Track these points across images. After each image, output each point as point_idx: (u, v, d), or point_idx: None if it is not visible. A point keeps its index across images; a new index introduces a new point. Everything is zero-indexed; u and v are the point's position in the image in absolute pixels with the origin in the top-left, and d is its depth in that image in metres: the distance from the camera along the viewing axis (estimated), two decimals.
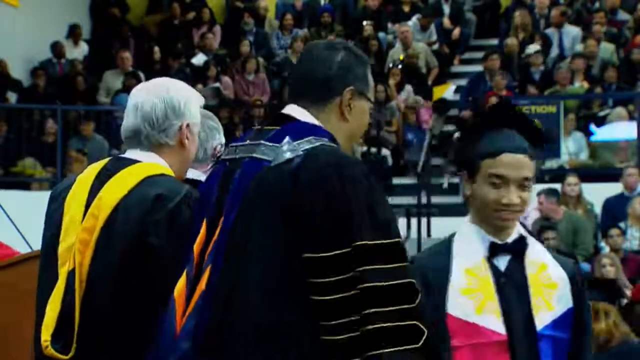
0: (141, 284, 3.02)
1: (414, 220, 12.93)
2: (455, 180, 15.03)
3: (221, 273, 2.71)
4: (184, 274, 2.77)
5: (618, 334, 7.35)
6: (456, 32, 17.65)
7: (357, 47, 3.04)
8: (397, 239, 2.71)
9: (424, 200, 13.52)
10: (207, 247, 2.78)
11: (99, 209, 3.15)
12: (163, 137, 3.27)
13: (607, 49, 15.53)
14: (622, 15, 16.71)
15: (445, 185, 15.01)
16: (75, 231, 3.16)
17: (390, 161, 15.49)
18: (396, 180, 15.43)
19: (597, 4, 17.25)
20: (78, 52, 17.40)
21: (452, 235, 3.30)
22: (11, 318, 4.07)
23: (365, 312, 2.62)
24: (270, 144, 2.80)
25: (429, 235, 13.40)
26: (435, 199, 14.29)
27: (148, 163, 3.23)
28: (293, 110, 2.90)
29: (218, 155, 2.97)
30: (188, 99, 3.31)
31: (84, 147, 14.36)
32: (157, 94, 3.29)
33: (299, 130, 2.81)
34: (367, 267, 2.64)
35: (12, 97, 16.05)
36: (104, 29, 18.07)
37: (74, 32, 17.42)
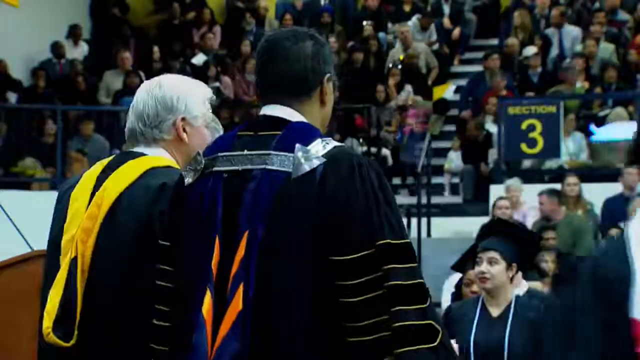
0: (147, 273, 3.01)
1: (414, 220, 12.92)
2: (456, 180, 15.04)
3: (257, 291, 2.68)
4: (208, 293, 2.71)
5: None
6: (456, 32, 17.66)
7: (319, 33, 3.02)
8: (409, 240, 2.76)
9: (424, 200, 13.53)
10: (226, 266, 2.71)
11: (102, 199, 3.16)
12: (157, 132, 3.28)
13: (607, 49, 15.54)
14: (622, 15, 16.71)
15: (447, 185, 15.03)
16: (79, 221, 3.18)
17: (390, 161, 15.50)
18: (396, 180, 15.44)
19: (597, 4, 17.25)
20: (78, 52, 17.40)
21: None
22: (7, 318, 4.07)
23: (393, 309, 2.65)
24: (283, 153, 2.75)
25: (429, 235, 13.40)
26: (435, 199, 14.30)
27: (153, 156, 3.25)
28: (280, 111, 2.86)
29: (200, 166, 2.87)
30: (184, 94, 3.30)
31: (84, 147, 14.36)
32: (149, 91, 3.31)
33: (301, 133, 2.79)
34: (391, 266, 2.67)
35: (12, 97, 16.05)
36: (104, 29, 18.07)
37: (74, 32, 17.42)
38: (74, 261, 3.13)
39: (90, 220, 3.15)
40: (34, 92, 15.97)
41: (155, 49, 16.89)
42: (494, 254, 5.56)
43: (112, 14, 18.19)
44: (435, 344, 2.66)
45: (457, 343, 5.48)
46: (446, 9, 17.98)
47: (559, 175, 13.48)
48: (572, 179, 12.38)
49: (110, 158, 3.35)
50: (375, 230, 2.68)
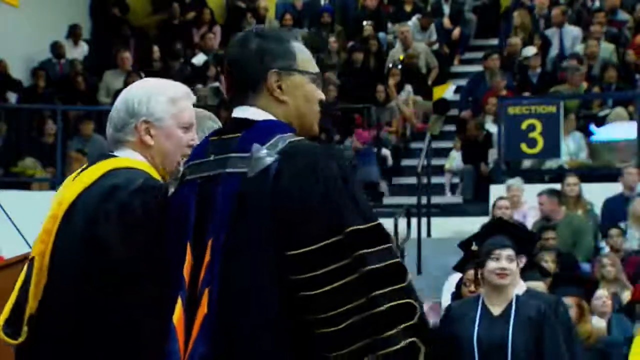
0: (95, 274, 3.04)
1: (414, 220, 12.92)
2: (456, 180, 15.04)
3: (220, 293, 2.71)
4: (179, 299, 2.75)
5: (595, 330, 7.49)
6: (456, 32, 17.66)
7: (272, 30, 3.11)
8: (379, 222, 2.75)
9: (424, 200, 13.52)
10: (197, 272, 2.75)
11: (62, 199, 3.18)
12: (121, 135, 3.30)
13: (607, 49, 15.54)
14: (622, 15, 16.71)
15: (447, 185, 15.03)
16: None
17: (390, 161, 15.50)
18: (396, 180, 15.45)
19: (597, 4, 17.25)
20: (78, 52, 17.40)
21: None
22: None
23: (372, 295, 2.64)
24: (240, 155, 2.79)
25: (429, 235, 13.40)
26: (435, 199, 14.30)
27: (120, 158, 3.25)
28: (244, 112, 2.90)
29: (179, 175, 2.91)
30: (146, 96, 3.29)
31: (84, 147, 14.37)
32: (120, 97, 3.34)
33: (261, 132, 2.81)
34: (365, 251, 2.67)
35: (12, 97, 16.06)
36: (104, 29, 18.07)
37: (74, 32, 17.42)
38: (31, 262, 3.16)
39: (51, 221, 3.18)
40: (34, 92, 15.97)
41: (155, 49, 16.89)
42: (511, 252, 5.79)
43: (112, 14, 18.19)
44: (414, 321, 2.67)
45: (459, 341, 5.81)
46: (446, 9, 17.98)
47: (559, 175, 13.48)
48: (572, 179, 12.38)
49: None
50: (340, 219, 2.68)
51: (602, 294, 9.39)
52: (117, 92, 16.23)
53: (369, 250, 2.67)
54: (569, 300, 6.99)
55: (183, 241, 2.80)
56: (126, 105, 3.29)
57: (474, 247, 6.14)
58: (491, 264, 5.79)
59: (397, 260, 2.72)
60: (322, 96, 3.02)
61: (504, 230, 5.96)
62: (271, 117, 2.87)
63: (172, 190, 2.95)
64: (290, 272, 2.67)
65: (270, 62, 2.89)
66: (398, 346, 2.63)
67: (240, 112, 2.91)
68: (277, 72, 2.88)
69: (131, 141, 3.29)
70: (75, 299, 3.08)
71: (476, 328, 5.78)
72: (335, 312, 2.65)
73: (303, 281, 2.66)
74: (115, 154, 3.30)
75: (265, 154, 2.75)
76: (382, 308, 2.64)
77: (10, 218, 5.34)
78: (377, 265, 2.66)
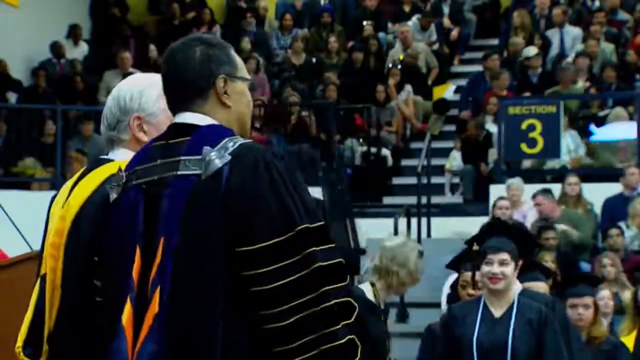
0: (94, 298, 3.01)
1: (414, 220, 12.92)
2: (456, 180, 15.04)
3: (171, 293, 2.75)
4: (128, 301, 2.79)
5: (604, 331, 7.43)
6: (455, 32, 17.64)
7: (213, 36, 3.09)
8: (324, 222, 2.84)
9: (424, 200, 13.52)
10: (147, 273, 2.79)
11: (66, 212, 3.14)
12: (115, 134, 3.28)
13: (606, 49, 15.54)
14: (622, 15, 16.71)
15: (447, 185, 15.03)
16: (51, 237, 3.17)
17: (390, 161, 15.50)
18: (396, 181, 15.44)
19: (596, 4, 17.25)
20: (78, 52, 17.40)
21: None
22: (9, 318, 4.07)
23: (321, 290, 2.72)
24: (191, 157, 2.83)
25: (429, 235, 13.40)
26: (435, 199, 14.29)
27: (118, 161, 3.23)
28: (187, 118, 2.93)
29: (121, 181, 2.93)
30: (138, 92, 3.28)
31: (84, 147, 14.37)
32: (112, 94, 3.32)
33: (210, 135, 2.86)
34: (314, 249, 2.75)
35: (12, 97, 16.05)
36: (104, 29, 18.07)
37: (74, 32, 17.42)
38: (43, 279, 3.12)
39: (58, 236, 3.14)
40: (34, 92, 15.97)
41: (151, 47, 16.88)
42: (505, 256, 5.73)
43: (112, 14, 18.19)
44: (352, 320, 2.76)
45: (460, 342, 5.76)
46: (445, 9, 17.98)
47: (559, 175, 13.48)
48: (572, 179, 12.39)
49: (85, 168, 3.34)
50: (290, 218, 2.75)
51: (605, 295, 9.39)
52: None
53: (318, 248, 2.75)
54: (588, 301, 6.96)
55: (131, 244, 2.83)
56: (118, 103, 3.27)
57: (475, 247, 6.06)
58: (484, 268, 5.77)
59: (341, 260, 2.80)
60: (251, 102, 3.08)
61: (502, 231, 5.91)
62: (214, 122, 2.92)
63: (114, 196, 2.95)
64: (241, 268, 2.72)
65: (217, 68, 2.94)
66: (342, 341, 2.71)
67: (183, 118, 2.94)
68: (224, 77, 2.93)
69: (125, 140, 3.28)
70: (90, 313, 3.05)
71: (477, 330, 5.74)
72: (284, 308, 2.71)
73: (254, 277, 2.72)
74: (111, 156, 3.28)
75: (217, 156, 2.80)
76: (329, 303, 2.72)
77: (10, 218, 5.35)
78: (325, 263, 2.75)
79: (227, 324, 2.72)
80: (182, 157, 2.84)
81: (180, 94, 2.94)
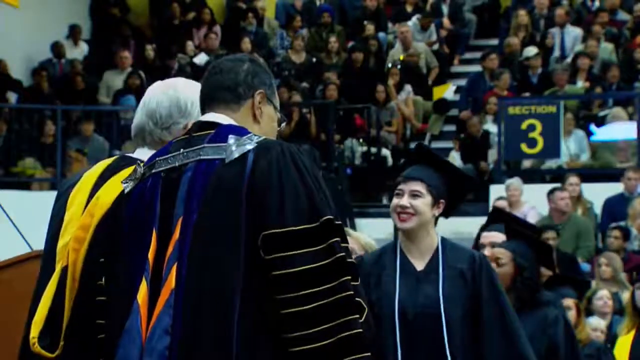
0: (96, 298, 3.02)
1: None
2: None
3: (189, 269, 2.79)
4: (143, 281, 2.82)
5: (589, 335, 7.36)
6: (444, 32, 17.59)
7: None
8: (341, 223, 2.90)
9: None
10: (162, 254, 2.83)
11: (95, 208, 3.15)
12: (166, 134, 3.29)
13: (606, 49, 15.55)
14: (622, 15, 16.72)
15: None
16: (73, 229, 3.17)
17: (390, 161, 15.49)
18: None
19: (596, 4, 17.26)
20: (78, 52, 17.40)
21: None
22: (9, 318, 4.07)
23: (341, 280, 2.77)
24: (215, 144, 2.90)
25: None
26: None
27: None
28: (214, 117, 3.01)
29: (138, 175, 2.98)
30: (197, 99, 3.29)
31: (84, 147, 14.37)
32: (164, 92, 3.31)
33: (234, 130, 2.94)
34: (338, 240, 2.82)
35: (12, 97, 16.05)
36: (104, 29, 18.07)
37: (74, 32, 17.42)
38: (64, 271, 3.13)
39: (83, 230, 3.15)
40: (34, 92, 15.97)
41: (148, 47, 16.88)
42: (418, 186, 4.52)
43: (112, 14, 18.19)
44: (363, 319, 2.80)
45: (376, 310, 4.29)
46: (445, 9, 17.98)
47: (559, 175, 13.48)
48: (572, 179, 12.39)
49: (110, 161, 3.33)
50: (316, 207, 2.82)
51: (603, 294, 9.38)
52: (117, 92, 16.32)
53: (341, 241, 2.82)
54: (568, 302, 6.90)
55: (148, 229, 2.87)
56: (178, 105, 3.30)
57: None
58: (393, 201, 4.57)
59: (354, 261, 2.88)
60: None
61: (427, 162, 4.74)
62: (236, 124, 3.00)
63: (128, 189, 3.00)
64: (266, 251, 2.77)
65: (259, 84, 3.06)
66: (359, 330, 2.76)
67: (210, 117, 3.03)
68: (263, 94, 3.06)
69: None
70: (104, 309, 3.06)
71: (397, 291, 4.41)
72: (306, 292, 2.75)
73: (278, 260, 2.76)
74: (140, 156, 3.26)
75: (242, 143, 2.87)
76: (348, 293, 2.77)
77: (10, 218, 5.35)
78: (345, 257, 2.81)
79: (243, 303, 2.75)
80: (207, 144, 2.91)
81: (216, 96, 3.04)
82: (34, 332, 3.09)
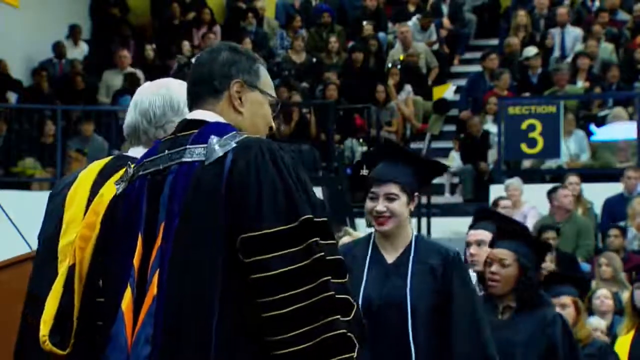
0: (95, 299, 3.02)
1: (414, 220, 12.92)
2: (456, 180, 15.04)
3: (170, 275, 2.77)
4: (128, 287, 2.81)
5: (591, 334, 7.33)
6: (444, 32, 17.59)
7: (244, 47, 3.14)
8: (327, 218, 2.85)
9: (424, 200, 13.52)
10: (147, 260, 2.82)
11: (100, 206, 3.16)
12: (160, 132, 3.31)
13: (606, 49, 15.55)
14: (622, 16, 16.72)
15: (447, 185, 15.03)
16: (76, 228, 3.18)
17: None
18: None
19: (596, 4, 17.26)
20: (78, 52, 17.40)
21: None
22: (9, 318, 4.07)
23: (320, 280, 2.73)
24: (196, 146, 2.87)
25: (429, 235, 13.40)
26: (435, 199, 14.29)
27: None
28: (199, 114, 2.97)
29: (128, 176, 2.97)
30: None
31: (84, 147, 14.37)
32: (156, 91, 3.33)
33: (217, 129, 2.90)
34: (317, 240, 2.76)
35: (12, 97, 16.05)
36: (104, 29, 18.08)
37: (74, 32, 17.43)
38: (72, 269, 3.13)
39: (89, 229, 3.16)
40: (34, 92, 15.97)
41: (148, 47, 16.89)
42: (393, 188, 4.52)
43: (112, 14, 18.19)
44: (350, 317, 2.76)
45: None
46: (445, 9, 17.98)
47: (559, 175, 13.48)
48: (572, 179, 12.39)
49: (106, 161, 3.35)
50: (295, 207, 2.77)
51: (602, 294, 9.38)
52: (117, 92, 16.30)
53: (321, 241, 2.77)
54: (566, 300, 6.88)
55: (134, 233, 2.86)
56: (170, 103, 3.32)
57: (364, 172, 5.10)
58: (368, 204, 4.58)
59: (341, 257, 2.83)
60: (273, 124, 3.11)
61: (393, 156, 4.73)
62: (223, 120, 2.96)
63: (119, 190, 2.99)
64: (244, 254, 2.74)
65: (236, 73, 3.00)
66: (339, 331, 2.72)
67: (195, 115, 2.99)
68: (240, 82, 2.99)
69: None
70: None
71: (364, 281, 4.49)
72: (284, 296, 2.72)
73: (256, 263, 2.73)
74: (137, 155, 3.27)
75: (222, 143, 2.83)
76: (328, 293, 2.72)
77: (10, 218, 5.34)
78: (327, 257, 2.76)
79: (224, 309, 2.73)
80: (189, 146, 2.88)
81: (197, 92, 3.00)
82: (44, 330, 3.11)
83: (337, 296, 2.74)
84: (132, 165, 3.00)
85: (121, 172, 3.19)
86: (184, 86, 3.39)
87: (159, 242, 2.81)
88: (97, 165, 3.33)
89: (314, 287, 2.72)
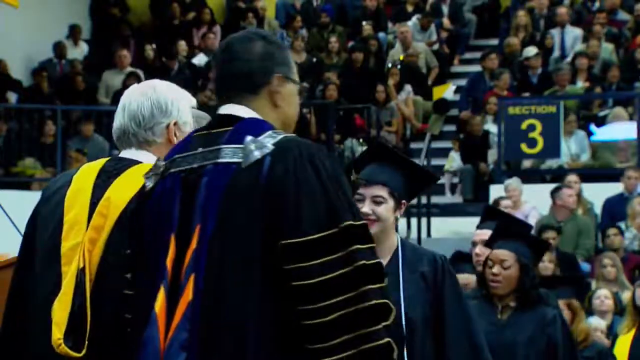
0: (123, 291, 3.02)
1: (414, 220, 12.92)
2: (456, 180, 15.04)
3: (206, 280, 2.72)
4: (162, 288, 2.76)
5: (590, 335, 7.31)
6: (444, 32, 17.58)
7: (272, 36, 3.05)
8: (367, 222, 2.80)
9: (424, 200, 13.52)
10: (181, 262, 2.76)
11: (107, 209, 3.16)
12: (150, 134, 3.31)
13: (606, 49, 15.55)
14: (623, 15, 16.72)
15: (447, 185, 15.03)
16: (80, 231, 3.17)
17: None
18: None
19: (597, 4, 17.26)
20: (78, 52, 17.40)
21: None
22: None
23: (362, 289, 2.68)
24: (233, 146, 2.80)
25: (429, 235, 13.40)
26: (435, 199, 14.29)
27: (149, 164, 3.25)
28: (233, 109, 2.90)
29: (160, 170, 2.91)
30: (176, 99, 3.34)
31: (84, 147, 14.37)
32: (143, 93, 3.33)
33: (252, 127, 2.83)
34: (358, 246, 2.70)
35: (12, 97, 16.05)
36: (104, 29, 18.08)
37: (74, 32, 17.43)
38: (82, 271, 3.13)
39: (96, 231, 3.16)
40: (34, 92, 15.97)
41: (147, 47, 16.89)
42: (380, 190, 4.34)
43: (112, 14, 18.19)
44: (389, 322, 2.71)
45: None
46: (445, 9, 17.98)
47: (559, 175, 13.48)
48: (572, 178, 12.40)
49: (101, 163, 3.34)
50: (335, 212, 2.71)
51: (602, 294, 9.38)
52: (117, 92, 16.30)
53: (361, 246, 2.71)
54: (559, 303, 6.87)
55: (167, 233, 2.80)
56: (158, 104, 3.31)
57: (353, 176, 4.76)
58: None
59: (379, 260, 2.76)
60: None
61: (384, 159, 4.61)
62: (257, 116, 2.88)
63: (149, 184, 2.92)
64: (283, 261, 2.68)
65: (274, 66, 2.91)
66: (382, 342, 2.67)
67: (226, 109, 2.91)
68: (281, 77, 2.91)
69: (157, 142, 3.31)
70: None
71: None
72: (325, 304, 2.66)
73: (296, 271, 2.67)
74: (132, 156, 3.30)
75: (259, 145, 2.76)
76: (370, 303, 2.67)
77: (10, 218, 5.34)
78: (367, 262, 2.70)
79: (261, 316, 2.68)
80: (223, 146, 2.80)
81: (232, 85, 2.91)
82: (58, 333, 3.10)
83: (377, 301, 2.69)
84: (162, 159, 2.94)
85: (130, 171, 3.20)
86: (171, 87, 3.39)
87: (193, 245, 2.74)
88: (93, 167, 3.32)
89: (355, 296, 2.66)
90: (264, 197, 2.71)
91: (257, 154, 2.75)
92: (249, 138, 2.77)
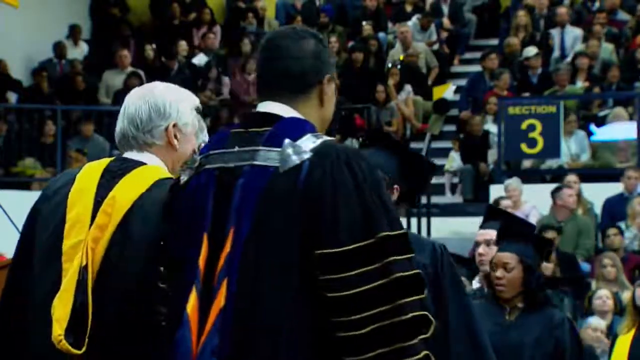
0: (153, 290, 3.03)
1: (414, 220, 12.92)
2: (456, 180, 15.04)
3: (240, 283, 2.67)
4: (194, 289, 2.71)
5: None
6: (444, 32, 17.58)
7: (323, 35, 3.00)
8: (406, 230, 2.74)
9: (424, 200, 13.52)
10: (214, 262, 2.72)
11: (112, 208, 3.17)
12: (149, 137, 3.31)
13: (606, 49, 15.55)
14: (622, 15, 16.72)
15: (447, 185, 15.03)
16: (83, 229, 3.18)
17: None
18: None
19: (597, 4, 17.26)
20: (78, 52, 17.41)
21: None
22: None
23: (398, 302, 2.62)
24: (270, 148, 2.74)
25: (428, 235, 13.39)
26: (435, 199, 14.29)
27: (154, 166, 3.26)
28: (274, 107, 2.84)
29: (196, 163, 2.88)
30: (175, 100, 3.33)
31: (84, 147, 14.37)
32: (141, 97, 3.34)
33: (292, 128, 2.77)
34: (394, 258, 2.65)
35: (12, 97, 16.06)
36: (104, 29, 18.08)
37: (74, 32, 17.43)
38: (85, 269, 3.14)
39: (99, 230, 3.16)
40: (34, 92, 15.98)
41: (148, 47, 16.89)
42: None
43: (112, 14, 18.19)
44: (429, 334, 2.66)
45: None
46: (445, 9, 17.98)
47: (559, 175, 13.48)
48: (572, 178, 12.40)
49: (105, 163, 3.34)
50: (372, 222, 2.65)
51: (603, 294, 9.38)
52: (117, 92, 16.31)
53: (398, 257, 2.65)
54: None
55: (199, 231, 2.76)
56: (156, 107, 3.31)
57: None
58: None
59: (419, 271, 2.70)
60: None
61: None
62: (298, 116, 2.83)
63: (184, 178, 2.89)
64: (319, 271, 2.63)
65: (325, 66, 2.87)
66: (419, 356, 2.63)
67: (266, 107, 2.86)
68: (330, 77, 2.88)
69: (157, 144, 3.31)
70: (124, 310, 3.10)
71: None
72: (361, 316, 2.61)
73: (331, 282, 2.63)
74: (135, 157, 3.30)
75: (298, 150, 2.71)
76: (406, 317, 2.62)
77: (10, 218, 5.34)
78: (404, 274, 2.65)
79: (298, 321, 2.64)
80: (261, 147, 2.75)
81: (280, 84, 2.85)
82: (59, 329, 3.11)
83: (415, 314, 2.63)
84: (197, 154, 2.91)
85: (136, 171, 3.19)
86: (171, 89, 3.36)
87: (227, 248, 2.70)
88: (97, 166, 3.33)
89: (390, 309, 2.61)
90: (301, 203, 2.66)
91: (295, 159, 2.70)
92: (287, 141, 2.72)
